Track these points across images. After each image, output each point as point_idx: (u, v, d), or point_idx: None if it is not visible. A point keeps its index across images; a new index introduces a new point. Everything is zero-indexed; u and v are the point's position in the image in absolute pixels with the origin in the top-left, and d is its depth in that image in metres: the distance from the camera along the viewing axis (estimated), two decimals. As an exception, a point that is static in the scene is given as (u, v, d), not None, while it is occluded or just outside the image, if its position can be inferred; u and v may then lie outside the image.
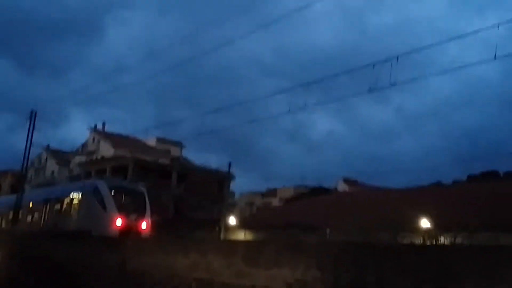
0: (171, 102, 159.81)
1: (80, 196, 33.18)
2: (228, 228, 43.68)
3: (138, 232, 30.49)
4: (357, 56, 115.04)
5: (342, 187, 75.26)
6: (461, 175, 56.41)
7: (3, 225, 44.52)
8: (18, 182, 51.91)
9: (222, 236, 39.76)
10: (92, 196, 31.70)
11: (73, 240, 29.86)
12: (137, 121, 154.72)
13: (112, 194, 31.54)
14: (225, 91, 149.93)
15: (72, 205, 34.04)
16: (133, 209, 31.59)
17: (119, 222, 30.09)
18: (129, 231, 29.80)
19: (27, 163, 44.22)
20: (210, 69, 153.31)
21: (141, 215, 31.71)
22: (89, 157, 78.06)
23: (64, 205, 34.96)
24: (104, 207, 30.82)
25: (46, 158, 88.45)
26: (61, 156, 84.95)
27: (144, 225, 31.39)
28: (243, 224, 45.36)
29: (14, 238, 33.45)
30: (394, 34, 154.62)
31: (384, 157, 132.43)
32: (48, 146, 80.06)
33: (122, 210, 30.83)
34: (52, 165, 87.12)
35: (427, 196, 36.95)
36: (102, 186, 32.00)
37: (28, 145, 41.15)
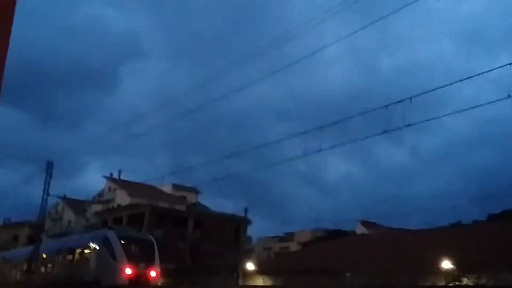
0: (186, 149, 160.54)
1: (90, 246, 33.84)
2: (246, 274, 43.16)
3: (147, 280, 30.94)
4: (370, 98, 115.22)
5: (360, 229, 74.40)
6: (481, 214, 55.65)
7: (18, 277, 44.75)
8: (35, 232, 51.97)
9: (240, 283, 39.26)
10: (102, 246, 32.47)
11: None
12: (152, 169, 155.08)
13: (122, 243, 32.15)
14: (239, 136, 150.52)
15: (84, 255, 34.65)
16: (142, 258, 32.09)
17: (128, 271, 30.51)
18: (139, 279, 30.30)
19: (44, 214, 44.28)
20: (224, 115, 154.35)
21: (150, 264, 32.17)
22: (106, 206, 78.21)
23: (76, 256, 35.60)
24: (114, 256, 31.41)
25: (63, 208, 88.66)
26: (78, 206, 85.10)
27: (153, 274, 31.82)
28: (261, 269, 44.80)
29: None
30: (407, 76, 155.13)
31: (402, 199, 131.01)
32: (64, 195, 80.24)
33: (132, 259, 31.44)
34: (69, 215, 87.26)
35: (447, 237, 36.36)
36: (112, 236, 32.71)
37: (44, 196, 41.29)
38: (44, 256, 39.25)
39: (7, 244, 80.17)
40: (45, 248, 40.51)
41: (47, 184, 41.06)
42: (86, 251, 34.49)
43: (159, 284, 37.26)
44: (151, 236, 37.29)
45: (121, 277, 30.36)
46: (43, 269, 39.18)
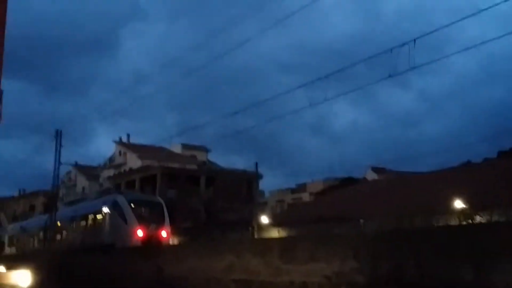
0: (192, 108, 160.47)
1: (102, 212, 34.94)
2: (260, 227, 43.63)
3: (158, 240, 31.92)
4: (374, 43, 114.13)
5: (371, 175, 74.65)
6: (491, 152, 55.64)
7: (35, 245, 46.26)
8: (50, 201, 52.79)
9: (255, 236, 39.75)
10: (113, 210, 33.61)
11: (107, 253, 30.38)
12: (160, 130, 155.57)
13: (132, 206, 33.30)
14: (244, 91, 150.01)
15: (96, 221, 35.86)
16: (152, 220, 33.24)
17: (140, 233, 31.78)
18: (150, 240, 31.30)
19: (57, 182, 44.85)
20: (228, 71, 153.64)
21: (161, 225, 33.28)
22: (117, 170, 78.80)
23: (89, 221, 36.87)
24: (125, 220, 32.62)
25: (76, 175, 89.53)
26: (90, 172, 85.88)
27: (164, 234, 33.06)
28: (276, 222, 45.27)
29: (51, 257, 34.06)
30: (410, 18, 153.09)
31: (411, 142, 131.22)
32: (76, 163, 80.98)
33: (142, 221, 32.60)
34: (82, 181, 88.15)
35: (458, 177, 36.46)
36: (122, 200, 33.88)
37: (56, 164, 41.69)
38: (59, 223, 40.48)
39: (24, 214, 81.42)
40: (59, 216, 41.63)
41: (57, 152, 41.46)
42: (98, 216, 35.51)
43: (175, 243, 38.09)
44: (160, 198, 38.67)
45: (133, 239, 31.45)
46: (58, 236, 40.50)
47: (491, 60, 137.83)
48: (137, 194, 47.41)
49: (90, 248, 32.64)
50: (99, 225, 35.27)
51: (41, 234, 44.65)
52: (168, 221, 34.42)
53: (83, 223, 37.69)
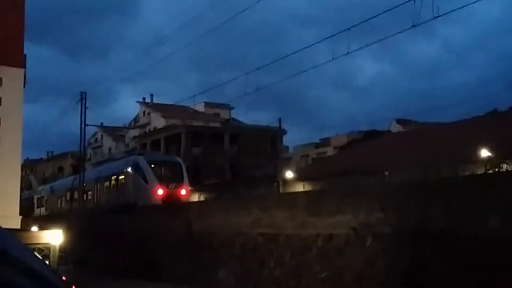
0: (214, 66, 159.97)
1: (124, 172, 36.85)
2: (285, 182, 43.85)
3: (178, 198, 33.43)
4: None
5: (395, 128, 74.00)
6: (518, 100, 54.66)
7: (63, 206, 48.13)
8: (78, 162, 53.78)
9: (280, 191, 40.00)
10: (134, 171, 35.34)
11: (136, 212, 30.99)
12: (183, 90, 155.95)
13: (152, 167, 34.99)
14: (266, 47, 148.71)
15: (118, 181, 37.86)
16: (171, 179, 34.78)
17: (160, 192, 33.27)
18: (170, 198, 32.80)
19: (84, 143, 45.50)
20: (248, 28, 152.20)
21: (180, 183, 34.72)
22: (143, 130, 79.42)
23: (112, 182, 38.84)
24: (145, 180, 34.31)
25: (102, 136, 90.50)
26: (116, 132, 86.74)
27: (183, 192, 34.55)
28: (301, 176, 45.42)
29: (81, 217, 34.93)
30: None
31: (436, 93, 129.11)
32: (102, 124, 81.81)
33: (162, 180, 34.21)
34: (108, 142, 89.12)
35: (484, 125, 36.03)
36: (142, 161, 35.63)
37: (82, 126, 42.21)
38: (85, 184, 41.85)
39: (53, 175, 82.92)
40: (85, 177, 42.87)
41: (83, 114, 41.93)
42: (121, 177, 37.48)
43: (202, 199, 38.89)
44: (178, 158, 40.73)
45: (154, 197, 33.04)
46: (84, 197, 41.94)
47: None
48: (157, 155, 49.40)
49: (114, 207, 34.28)
50: (122, 185, 37.13)
51: (68, 194, 45.95)
52: (187, 180, 35.97)
53: (107, 183, 39.41)
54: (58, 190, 51.13)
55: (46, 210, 50.26)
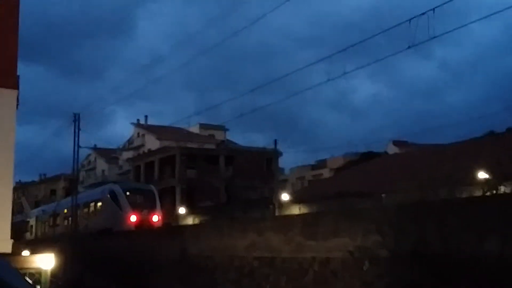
0: (210, 87, 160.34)
1: (101, 200, 39.76)
2: (281, 205, 43.59)
3: (150, 224, 36.00)
4: (393, 15, 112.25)
5: (392, 149, 74.02)
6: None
7: (46, 230, 50.69)
8: (70, 185, 54.11)
9: (276, 214, 39.71)
10: (110, 198, 38.08)
11: (131, 235, 30.72)
12: (178, 111, 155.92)
13: (127, 194, 37.70)
14: (262, 68, 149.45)
15: (96, 208, 40.79)
16: (144, 206, 37.49)
17: (133, 218, 35.93)
18: (143, 224, 35.42)
19: (77, 166, 45.29)
20: (245, 48, 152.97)
21: (152, 210, 37.49)
22: (136, 152, 79.10)
23: (90, 209, 41.82)
24: (120, 207, 37.02)
25: (95, 158, 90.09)
26: (109, 154, 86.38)
27: (155, 218, 37.10)
28: (296, 199, 45.17)
29: (72, 241, 34.77)
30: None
31: (433, 114, 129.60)
32: (95, 146, 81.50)
33: (136, 207, 36.87)
34: (101, 164, 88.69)
35: (481, 147, 35.96)
36: (118, 189, 38.54)
37: (75, 148, 42.02)
38: (65, 211, 45.26)
39: (45, 198, 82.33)
40: (65, 203, 46.75)
41: (76, 136, 41.74)
42: (98, 204, 40.39)
43: (196, 222, 39.26)
44: (152, 186, 44.39)
45: (127, 223, 35.70)
46: (65, 222, 45.29)
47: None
48: (132, 183, 54.77)
49: (91, 232, 36.93)
50: (99, 212, 40.09)
51: (51, 220, 49.46)
52: (160, 207, 38.97)
53: (86, 210, 42.09)
54: (41, 216, 53.36)
55: (31, 235, 51.72)
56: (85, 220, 40.93)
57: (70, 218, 43.69)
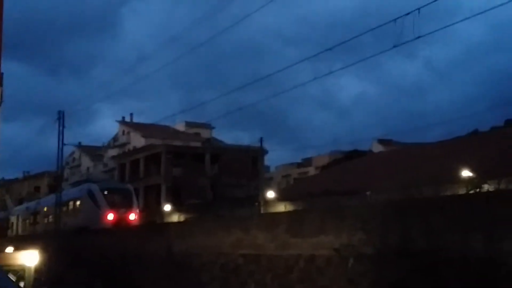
0: (196, 86, 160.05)
1: (79, 198, 40.41)
2: (267, 202, 43.63)
3: (127, 222, 36.89)
4: (379, 14, 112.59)
5: (377, 148, 74.28)
6: (499, 120, 55.16)
7: (26, 228, 51.94)
8: (55, 182, 54.04)
9: (262, 211, 39.74)
10: (88, 197, 39.25)
11: (116, 232, 30.58)
12: (164, 109, 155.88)
13: (104, 194, 38.79)
14: (249, 67, 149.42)
15: (74, 206, 42.09)
16: (122, 205, 38.42)
17: (110, 216, 36.96)
18: (120, 222, 36.34)
19: (61, 163, 45.18)
20: (231, 46, 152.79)
21: (129, 209, 38.49)
22: (121, 150, 78.73)
23: (70, 207, 42.75)
24: (97, 205, 38.04)
25: (80, 156, 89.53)
26: (94, 152, 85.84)
27: (132, 216, 38.14)
28: (282, 196, 45.22)
29: (57, 237, 34.65)
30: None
31: (419, 113, 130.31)
32: (80, 143, 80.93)
33: (113, 206, 37.86)
34: (86, 162, 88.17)
35: (465, 146, 36.26)
36: (95, 188, 39.60)
37: (60, 145, 41.84)
38: (45, 209, 46.69)
39: (29, 195, 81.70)
40: (46, 201, 48.39)
41: (61, 134, 41.54)
42: (77, 202, 41.47)
43: (182, 220, 39.48)
44: (129, 185, 45.59)
45: (105, 221, 36.65)
46: (45, 220, 46.74)
47: (498, 28, 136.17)
48: (110, 182, 56.60)
49: (69, 230, 37.73)
50: (77, 210, 41.23)
51: (32, 218, 50.72)
52: (136, 205, 40.41)
53: (64, 208, 42.61)
54: (23, 214, 54.13)
55: (12, 232, 53.78)
56: (65, 217, 41.75)
57: (50, 216, 44.73)
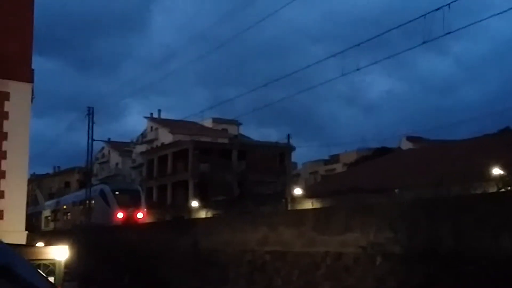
0: (223, 82, 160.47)
1: (92, 198, 43.81)
2: (294, 199, 43.51)
3: (135, 220, 40.11)
4: (408, 10, 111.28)
5: (406, 145, 73.51)
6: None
7: (48, 225, 55.54)
8: (84, 177, 55.17)
9: (289, 208, 39.67)
10: (100, 197, 43.19)
11: (144, 229, 30.80)
12: (191, 105, 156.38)
13: (115, 194, 42.66)
14: (276, 64, 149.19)
15: (89, 205, 44.25)
16: (130, 204, 41.76)
17: (120, 214, 40.34)
18: (129, 220, 39.40)
19: (91, 159, 45.78)
20: (258, 44, 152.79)
21: (137, 208, 42.03)
22: (150, 145, 79.27)
23: (84, 206, 45.23)
24: (108, 204, 41.84)
25: (109, 151, 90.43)
26: (123, 148, 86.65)
27: (140, 215, 41.67)
28: (309, 193, 45.06)
29: (86, 233, 35.01)
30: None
31: (448, 110, 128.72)
32: (109, 139, 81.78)
33: (122, 205, 41.26)
34: (115, 158, 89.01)
35: (496, 143, 35.65)
36: (107, 189, 43.86)
37: (89, 141, 42.35)
38: (65, 207, 51.32)
39: (59, 190, 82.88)
40: (65, 200, 53.09)
41: (90, 129, 42.02)
42: (91, 201, 44.01)
43: (208, 216, 40.13)
44: (138, 186, 51.22)
45: (115, 219, 39.78)
46: (64, 217, 51.29)
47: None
48: (121, 183, 61.94)
49: (85, 226, 39.91)
50: (91, 209, 43.81)
51: (53, 215, 54.59)
52: (144, 205, 44.22)
53: (81, 207, 45.94)
54: (45, 211, 58.19)
55: (45, 226, 56.31)
56: (81, 216, 44.99)
57: (69, 214, 49.10)
